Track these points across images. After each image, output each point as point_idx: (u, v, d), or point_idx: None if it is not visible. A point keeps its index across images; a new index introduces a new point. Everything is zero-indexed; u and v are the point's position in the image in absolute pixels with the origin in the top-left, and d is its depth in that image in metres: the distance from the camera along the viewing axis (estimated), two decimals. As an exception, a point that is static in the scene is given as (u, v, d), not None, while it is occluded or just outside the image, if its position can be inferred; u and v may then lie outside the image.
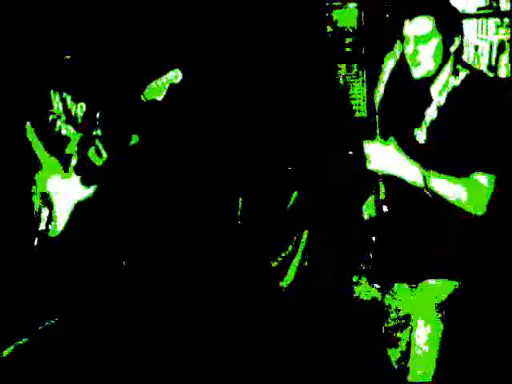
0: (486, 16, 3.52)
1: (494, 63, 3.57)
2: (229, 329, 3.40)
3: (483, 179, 2.17)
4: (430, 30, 2.18)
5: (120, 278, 3.37)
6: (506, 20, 3.54)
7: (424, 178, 2.20)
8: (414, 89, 2.34)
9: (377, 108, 2.32)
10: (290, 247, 3.81)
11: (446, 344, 2.26)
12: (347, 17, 4.01)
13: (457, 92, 2.25)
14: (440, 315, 2.25)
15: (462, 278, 2.27)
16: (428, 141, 2.31)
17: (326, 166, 3.80)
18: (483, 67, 3.56)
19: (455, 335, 2.28)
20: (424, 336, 2.25)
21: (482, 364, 2.45)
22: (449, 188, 2.19)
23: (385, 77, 2.31)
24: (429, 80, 2.29)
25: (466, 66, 2.33)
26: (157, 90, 3.16)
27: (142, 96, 3.17)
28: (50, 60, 3.26)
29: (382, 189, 2.37)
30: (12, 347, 3.21)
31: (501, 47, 3.57)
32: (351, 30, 4.00)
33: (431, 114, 2.32)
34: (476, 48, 3.58)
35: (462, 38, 2.26)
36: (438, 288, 2.27)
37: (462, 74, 2.28)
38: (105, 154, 3.19)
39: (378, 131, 2.29)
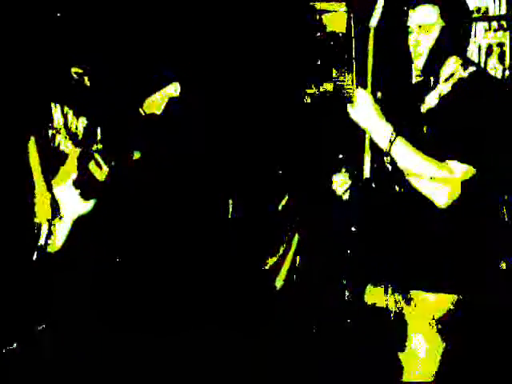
0: (475, 20, 3.57)
1: (482, 66, 3.61)
2: (221, 329, 3.42)
3: (456, 166, 1.99)
4: (435, 20, 2.10)
5: (117, 288, 3.37)
6: (494, 24, 3.60)
7: (390, 140, 2.06)
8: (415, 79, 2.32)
9: (370, 67, 2.19)
10: (282, 248, 3.83)
11: (447, 357, 2.11)
12: (336, 21, 4.05)
13: (463, 84, 2.12)
14: (438, 333, 2.10)
15: (455, 289, 2.09)
16: (424, 129, 2.17)
17: (318, 169, 3.82)
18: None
19: (457, 351, 2.13)
20: (423, 351, 2.12)
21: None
22: (412, 159, 2.04)
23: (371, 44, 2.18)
24: (433, 70, 2.19)
25: (473, 63, 2.23)
26: (156, 103, 3.19)
27: (141, 110, 3.19)
28: (52, 74, 3.26)
29: (367, 168, 2.31)
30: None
31: (489, 51, 3.63)
32: (340, 34, 4.04)
33: (430, 100, 2.20)
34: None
35: (468, 29, 2.17)
36: (433, 303, 2.11)
37: (471, 68, 2.15)
38: (105, 168, 3.20)
39: (369, 86, 2.16)
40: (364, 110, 2.12)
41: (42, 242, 3.16)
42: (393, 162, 2.11)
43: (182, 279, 3.67)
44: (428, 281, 2.11)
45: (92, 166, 3.18)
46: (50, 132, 3.28)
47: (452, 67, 2.17)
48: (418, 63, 2.17)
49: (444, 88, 2.17)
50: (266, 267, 3.82)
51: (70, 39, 3.25)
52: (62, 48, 3.24)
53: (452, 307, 2.08)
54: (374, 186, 2.28)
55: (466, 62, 2.16)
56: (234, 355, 3.22)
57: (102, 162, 3.19)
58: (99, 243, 3.25)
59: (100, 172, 3.20)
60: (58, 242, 3.16)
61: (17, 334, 3.27)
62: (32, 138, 3.30)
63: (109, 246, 3.30)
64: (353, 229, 2.25)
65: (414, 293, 2.14)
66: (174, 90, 3.22)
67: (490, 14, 3.59)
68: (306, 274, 3.71)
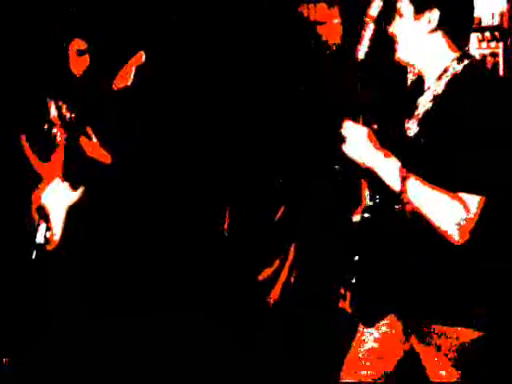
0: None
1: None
2: (214, 337, 3.43)
3: (470, 200, 1.80)
4: (428, 6, 1.90)
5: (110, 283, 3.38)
6: (487, 34, 3.62)
7: (403, 177, 1.84)
8: (406, 74, 2.14)
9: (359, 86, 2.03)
10: (278, 261, 3.82)
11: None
12: (331, 32, 4.06)
13: (458, 82, 1.89)
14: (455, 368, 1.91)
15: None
16: (418, 136, 1.94)
17: (314, 180, 3.81)
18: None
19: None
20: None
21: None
22: (428, 198, 1.84)
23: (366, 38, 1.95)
24: (425, 65, 1.99)
25: (469, 55, 1.98)
26: (124, 75, 3.18)
27: (113, 85, 3.19)
28: (46, 67, 3.28)
29: (366, 196, 2.06)
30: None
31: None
32: (334, 46, 4.06)
33: (425, 103, 1.96)
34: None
35: (470, 19, 1.97)
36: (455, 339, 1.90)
37: (466, 62, 1.92)
38: (93, 159, 3.22)
39: (360, 115, 1.95)
40: (361, 147, 1.91)
41: (40, 240, 3.17)
42: (399, 199, 1.89)
43: (174, 287, 3.67)
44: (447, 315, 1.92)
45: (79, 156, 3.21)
46: (46, 125, 3.30)
47: (446, 62, 1.95)
48: (404, 55, 1.99)
49: (438, 87, 1.94)
50: (262, 279, 3.81)
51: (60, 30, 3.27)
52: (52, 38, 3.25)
53: (477, 343, 1.89)
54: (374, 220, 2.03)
55: (462, 56, 1.94)
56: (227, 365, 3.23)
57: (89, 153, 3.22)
58: (89, 233, 3.26)
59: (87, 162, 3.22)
60: (55, 236, 3.17)
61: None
62: (26, 133, 3.33)
63: (98, 236, 3.29)
64: (356, 258, 2.08)
65: (437, 328, 1.93)
66: (138, 57, 3.24)
67: (483, 24, 3.61)
68: (302, 288, 3.70)
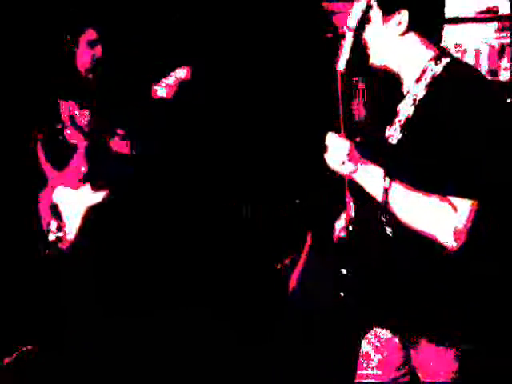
0: (486, 20, 3.53)
1: (494, 67, 3.58)
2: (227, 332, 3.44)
3: (462, 203, 1.73)
4: (396, 8, 1.82)
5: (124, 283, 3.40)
6: (506, 24, 3.55)
7: (386, 187, 1.79)
8: (386, 79, 1.99)
9: (340, 95, 1.89)
10: (294, 254, 3.82)
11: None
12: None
13: (438, 82, 1.82)
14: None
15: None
16: (401, 142, 1.88)
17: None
18: (483, 71, 3.56)
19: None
20: None
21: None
22: (417, 205, 1.77)
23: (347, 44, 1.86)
24: (401, 68, 1.92)
25: (447, 53, 1.90)
26: (166, 88, 3.18)
27: (151, 94, 3.18)
28: (58, 66, 3.28)
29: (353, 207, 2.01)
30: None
31: (501, 51, 3.58)
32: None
33: (406, 108, 1.90)
34: (476, 52, 3.59)
35: (441, 15, 1.89)
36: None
37: (445, 61, 1.85)
38: (114, 160, 3.22)
39: (342, 131, 1.89)
40: (342, 158, 1.85)
41: (52, 237, 3.18)
42: (386, 208, 1.82)
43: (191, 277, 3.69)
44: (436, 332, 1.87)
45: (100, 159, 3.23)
46: (58, 126, 3.31)
47: (421, 63, 1.88)
48: (376, 60, 1.93)
49: (418, 91, 1.87)
50: (278, 272, 3.81)
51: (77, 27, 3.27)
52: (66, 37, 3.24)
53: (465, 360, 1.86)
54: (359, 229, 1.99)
55: (439, 56, 1.86)
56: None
57: (110, 155, 3.23)
58: (105, 231, 3.27)
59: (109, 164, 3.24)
60: (69, 235, 3.18)
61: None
62: (39, 133, 3.34)
63: (114, 234, 3.31)
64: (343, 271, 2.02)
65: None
66: (183, 73, 3.21)
67: (501, 13, 3.55)
68: (316, 281, 3.68)
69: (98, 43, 3.23)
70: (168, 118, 3.32)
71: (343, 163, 1.84)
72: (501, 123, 1.78)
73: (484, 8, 3.53)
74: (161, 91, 3.17)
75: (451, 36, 3.43)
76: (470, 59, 3.54)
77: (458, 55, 3.50)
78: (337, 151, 1.86)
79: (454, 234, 1.73)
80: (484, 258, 1.84)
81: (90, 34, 3.22)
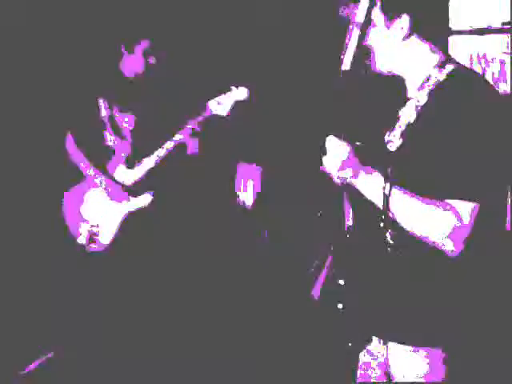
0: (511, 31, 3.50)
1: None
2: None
3: (463, 208, 1.73)
4: (399, 13, 1.85)
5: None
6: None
7: (386, 193, 1.77)
8: (388, 84, 2.00)
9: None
10: (320, 259, 3.83)
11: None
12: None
13: (441, 89, 1.83)
14: None
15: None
16: (401, 149, 1.89)
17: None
18: (508, 82, 3.54)
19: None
20: None
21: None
22: (417, 210, 1.76)
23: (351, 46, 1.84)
24: (404, 74, 1.93)
25: (451, 59, 1.92)
26: (222, 104, 3.26)
27: (208, 107, 3.26)
28: (103, 68, 3.37)
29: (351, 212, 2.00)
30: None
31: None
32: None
33: (408, 115, 1.91)
34: (501, 63, 3.57)
35: (445, 21, 2.03)
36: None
37: (449, 67, 1.86)
38: (149, 165, 3.30)
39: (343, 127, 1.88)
40: (339, 162, 1.83)
41: (81, 240, 3.26)
42: (386, 214, 1.81)
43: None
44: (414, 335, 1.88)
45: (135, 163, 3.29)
46: (97, 127, 3.40)
47: (424, 69, 1.90)
48: (381, 64, 1.94)
49: (420, 98, 1.88)
50: (301, 276, 3.83)
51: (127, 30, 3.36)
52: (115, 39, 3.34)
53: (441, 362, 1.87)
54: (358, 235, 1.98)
55: (443, 62, 1.88)
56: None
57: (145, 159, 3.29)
58: (138, 234, 3.32)
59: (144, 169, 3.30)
60: (103, 239, 3.25)
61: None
62: (75, 133, 3.41)
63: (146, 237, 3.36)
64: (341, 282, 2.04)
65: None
66: (241, 93, 3.28)
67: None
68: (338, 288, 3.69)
69: (152, 53, 3.36)
70: (213, 134, 3.39)
71: (342, 168, 1.83)
72: (504, 131, 1.79)
73: (509, 19, 3.51)
74: (215, 108, 3.26)
75: (475, 47, 3.43)
76: (494, 70, 3.53)
77: (483, 66, 3.50)
78: (336, 155, 1.83)
79: (454, 239, 1.73)
80: (483, 262, 1.86)
81: (145, 44, 3.36)
